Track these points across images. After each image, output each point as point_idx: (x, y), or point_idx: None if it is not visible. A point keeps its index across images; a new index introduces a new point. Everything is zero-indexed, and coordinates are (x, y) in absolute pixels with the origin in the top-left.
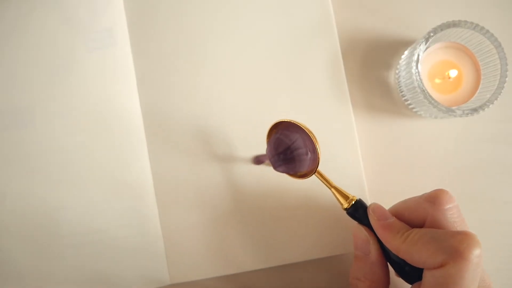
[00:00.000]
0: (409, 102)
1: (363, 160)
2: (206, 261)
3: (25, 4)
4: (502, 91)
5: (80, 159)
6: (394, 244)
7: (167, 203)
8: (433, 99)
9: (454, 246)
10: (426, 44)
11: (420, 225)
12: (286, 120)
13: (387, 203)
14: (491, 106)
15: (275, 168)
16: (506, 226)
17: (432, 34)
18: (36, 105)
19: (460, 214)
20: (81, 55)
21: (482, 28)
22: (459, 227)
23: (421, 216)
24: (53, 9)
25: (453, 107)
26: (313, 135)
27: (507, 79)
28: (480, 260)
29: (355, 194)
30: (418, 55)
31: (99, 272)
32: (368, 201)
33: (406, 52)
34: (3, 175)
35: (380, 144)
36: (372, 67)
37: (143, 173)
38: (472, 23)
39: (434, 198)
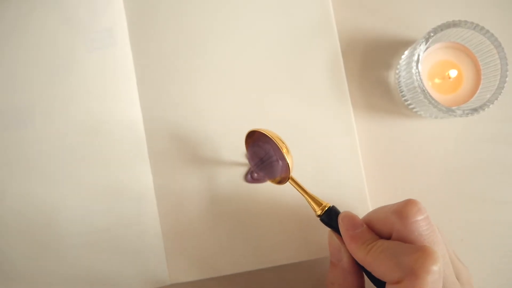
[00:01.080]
0: (409, 102)
1: (363, 160)
2: (206, 261)
3: (25, 4)
4: (502, 91)
5: (80, 159)
6: (358, 255)
7: (167, 203)
8: (433, 99)
9: (409, 264)
10: (426, 44)
11: (389, 236)
12: (257, 130)
13: (387, 203)
14: (491, 106)
15: (256, 172)
16: (506, 226)
17: (432, 34)
18: (36, 105)
19: (430, 226)
20: (81, 55)
21: (482, 28)
22: (426, 241)
23: (389, 229)
24: (53, 9)
25: (453, 107)
26: (281, 144)
27: (507, 79)
28: (439, 276)
29: (355, 193)
30: (418, 55)
31: (99, 272)
32: (368, 202)
33: (406, 52)
34: (3, 175)
35: (380, 144)
36: (372, 67)
37: (143, 173)
38: (472, 23)
39: (400, 212)
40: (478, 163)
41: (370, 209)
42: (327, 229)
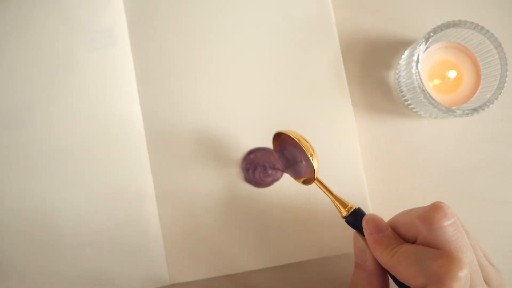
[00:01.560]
0: (409, 102)
1: (363, 160)
2: (206, 261)
3: (25, 4)
4: (502, 91)
5: (80, 159)
6: (382, 259)
7: (167, 203)
8: (433, 99)
9: (434, 271)
10: (426, 44)
11: (414, 240)
12: (283, 132)
13: (387, 203)
14: (491, 106)
15: (285, 172)
16: (506, 226)
17: (432, 34)
18: (36, 105)
19: (457, 231)
20: (81, 55)
21: (482, 28)
22: (452, 247)
23: (414, 233)
24: (53, 9)
25: (453, 107)
26: (307, 146)
27: (507, 79)
28: (465, 283)
29: (355, 193)
30: (418, 55)
31: (99, 272)
32: (368, 202)
33: (406, 52)
34: (3, 175)
35: (380, 144)
36: (372, 67)
37: (143, 173)
38: (472, 23)
39: (425, 217)
40: (478, 163)
41: (370, 209)
42: (328, 229)
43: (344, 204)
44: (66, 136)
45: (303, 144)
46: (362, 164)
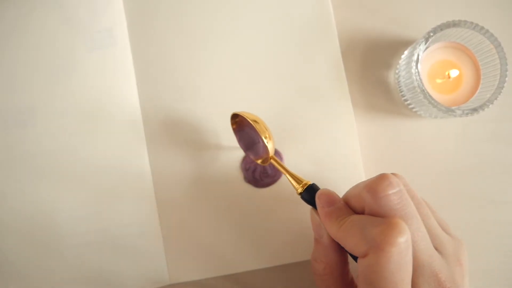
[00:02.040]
0: (409, 102)
1: (363, 160)
2: (206, 261)
3: (25, 4)
4: (502, 90)
5: (80, 159)
6: (331, 231)
7: (167, 203)
8: (432, 99)
9: (373, 237)
10: (426, 44)
11: (363, 212)
12: (240, 114)
13: None
14: (491, 106)
15: (245, 153)
16: (506, 226)
17: (432, 34)
18: (36, 105)
19: (402, 199)
20: (81, 55)
21: (482, 28)
22: (397, 215)
23: (362, 204)
24: (53, 9)
25: (453, 107)
26: (261, 128)
27: (507, 78)
28: (405, 248)
29: None
30: (418, 55)
31: (99, 272)
32: None
33: (406, 52)
34: (3, 175)
35: (380, 143)
36: (372, 67)
37: (142, 173)
38: (472, 23)
39: (370, 187)
40: (478, 163)
41: None
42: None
43: (299, 181)
44: (66, 136)
45: (257, 127)
46: (362, 164)
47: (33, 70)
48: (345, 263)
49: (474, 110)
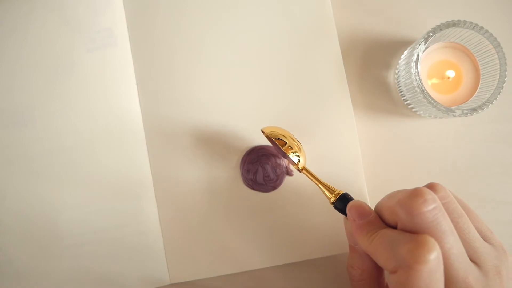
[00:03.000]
0: (408, 102)
1: (363, 159)
2: (206, 261)
3: (25, 4)
4: (502, 90)
5: (80, 159)
6: (362, 245)
7: (167, 203)
8: (432, 99)
9: (402, 255)
10: (425, 44)
11: (396, 225)
12: (263, 131)
13: None
14: (490, 106)
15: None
16: (506, 226)
17: (431, 34)
18: (36, 105)
19: (436, 217)
20: (81, 55)
21: (481, 28)
22: (432, 232)
23: (395, 219)
24: (53, 9)
25: (453, 107)
26: (284, 145)
27: (506, 79)
28: (435, 266)
29: (355, 193)
30: (418, 55)
31: (99, 272)
32: (368, 201)
33: (405, 52)
34: (3, 175)
35: (380, 143)
36: (372, 67)
37: (142, 173)
38: (471, 23)
39: (404, 203)
40: (477, 163)
41: None
42: (328, 228)
43: (331, 190)
44: (66, 136)
45: (281, 144)
46: (362, 164)
47: (32, 70)
48: (380, 269)
49: (474, 110)
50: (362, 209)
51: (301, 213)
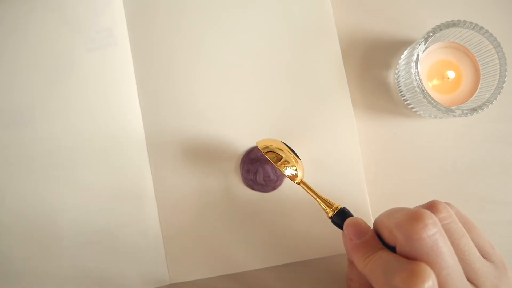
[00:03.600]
0: (408, 102)
1: (363, 159)
2: (206, 261)
3: (25, 4)
4: (502, 90)
5: (80, 159)
6: (357, 265)
7: (167, 203)
8: (432, 99)
9: (396, 284)
10: (425, 44)
11: (394, 246)
12: (258, 146)
13: (387, 203)
14: (490, 106)
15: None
16: (506, 226)
17: (431, 34)
18: (36, 105)
19: (438, 241)
20: (81, 55)
21: (481, 28)
22: (430, 258)
23: (394, 241)
24: (53, 9)
25: (453, 107)
26: (277, 161)
27: (506, 79)
28: None
29: (355, 193)
30: (418, 55)
31: (99, 272)
32: (367, 201)
33: (405, 52)
34: (3, 175)
35: (380, 143)
36: (372, 67)
37: (142, 173)
38: (471, 23)
39: (403, 228)
40: (477, 163)
41: (370, 209)
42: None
43: (329, 205)
44: (66, 136)
45: (278, 158)
46: (362, 164)
47: (32, 70)
48: None
49: (474, 110)
50: (359, 227)
51: (302, 213)
